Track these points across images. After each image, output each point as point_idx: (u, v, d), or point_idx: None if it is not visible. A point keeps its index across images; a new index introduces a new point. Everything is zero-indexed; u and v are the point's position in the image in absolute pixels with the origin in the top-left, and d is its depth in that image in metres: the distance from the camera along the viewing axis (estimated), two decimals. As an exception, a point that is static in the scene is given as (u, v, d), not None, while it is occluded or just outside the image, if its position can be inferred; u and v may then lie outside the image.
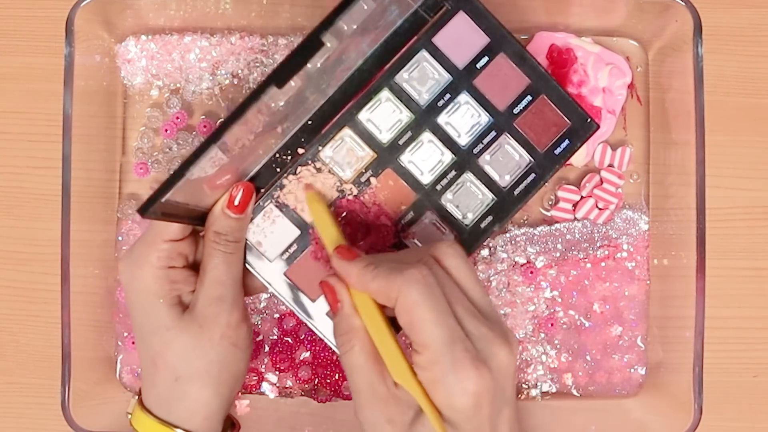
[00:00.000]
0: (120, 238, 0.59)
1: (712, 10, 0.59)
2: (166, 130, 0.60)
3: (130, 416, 0.49)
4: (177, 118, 0.60)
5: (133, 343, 0.58)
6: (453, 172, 0.52)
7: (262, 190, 0.51)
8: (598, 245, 0.59)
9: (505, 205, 0.52)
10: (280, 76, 0.42)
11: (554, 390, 0.59)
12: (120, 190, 0.60)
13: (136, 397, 0.49)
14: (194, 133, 0.60)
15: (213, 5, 0.58)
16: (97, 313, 0.58)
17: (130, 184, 0.60)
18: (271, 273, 0.51)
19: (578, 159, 0.59)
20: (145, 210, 0.41)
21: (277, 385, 0.59)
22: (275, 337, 0.59)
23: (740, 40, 0.61)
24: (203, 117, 0.60)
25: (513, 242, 0.59)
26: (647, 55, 0.60)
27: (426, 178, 0.52)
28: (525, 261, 0.59)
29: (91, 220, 0.57)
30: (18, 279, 0.61)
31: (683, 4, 0.54)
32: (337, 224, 0.49)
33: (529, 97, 0.52)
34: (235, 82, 0.60)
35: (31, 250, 0.61)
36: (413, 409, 0.42)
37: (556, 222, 0.60)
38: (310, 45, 0.42)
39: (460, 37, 0.52)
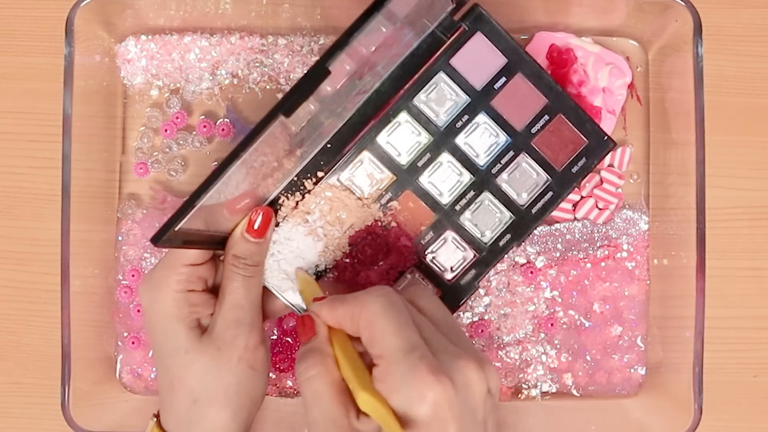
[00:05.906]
0: (120, 238, 0.59)
1: (712, 10, 0.59)
2: (166, 130, 0.60)
3: None
4: (177, 118, 0.60)
5: (133, 342, 0.58)
6: (471, 192, 0.53)
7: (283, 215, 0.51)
8: (598, 245, 0.59)
9: (523, 223, 0.53)
10: (287, 104, 0.41)
11: (554, 390, 0.59)
12: (120, 190, 0.60)
13: (155, 419, 0.49)
14: (194, 133, 0.60)
15: (213, 5, 0.58)
16: (97, 313, 0.58)
17: (130, 184, 0.60)
18: (296, 297, 0.51)
19: (578, 159, 0.60)
20: (157, 240, 0.42)
21: (277, 385, 0.59)
22: (275, 337, 0.59)
23: (740, 40, 0.61)
24: (203, 117, 0.60)
25: (513, 242, 0.59)
26: (647, 55, 0.60)
27: (445, 199, 0.53)
28: (525, 261, 0.59)
29: (91, 220, 0.57)
30: (18, 279, 0.61)
31: (683, 4, 0.54)
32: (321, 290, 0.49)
33: (546, 117, 0.53)
34: (235, 82, 0.60)
35: (31, 250, 0.61)
36: None
37: (556, 222, 0.60)
38: (317, 73, 0.41)
39: (478, 58, 0.52)
